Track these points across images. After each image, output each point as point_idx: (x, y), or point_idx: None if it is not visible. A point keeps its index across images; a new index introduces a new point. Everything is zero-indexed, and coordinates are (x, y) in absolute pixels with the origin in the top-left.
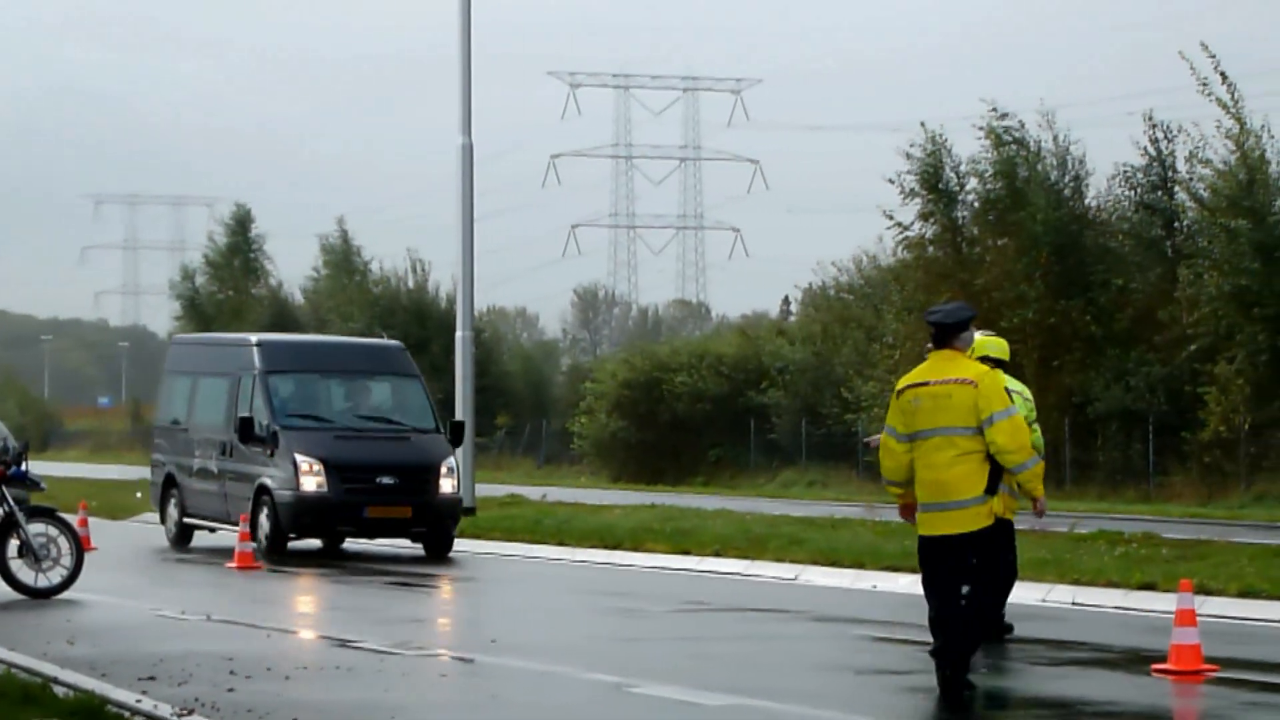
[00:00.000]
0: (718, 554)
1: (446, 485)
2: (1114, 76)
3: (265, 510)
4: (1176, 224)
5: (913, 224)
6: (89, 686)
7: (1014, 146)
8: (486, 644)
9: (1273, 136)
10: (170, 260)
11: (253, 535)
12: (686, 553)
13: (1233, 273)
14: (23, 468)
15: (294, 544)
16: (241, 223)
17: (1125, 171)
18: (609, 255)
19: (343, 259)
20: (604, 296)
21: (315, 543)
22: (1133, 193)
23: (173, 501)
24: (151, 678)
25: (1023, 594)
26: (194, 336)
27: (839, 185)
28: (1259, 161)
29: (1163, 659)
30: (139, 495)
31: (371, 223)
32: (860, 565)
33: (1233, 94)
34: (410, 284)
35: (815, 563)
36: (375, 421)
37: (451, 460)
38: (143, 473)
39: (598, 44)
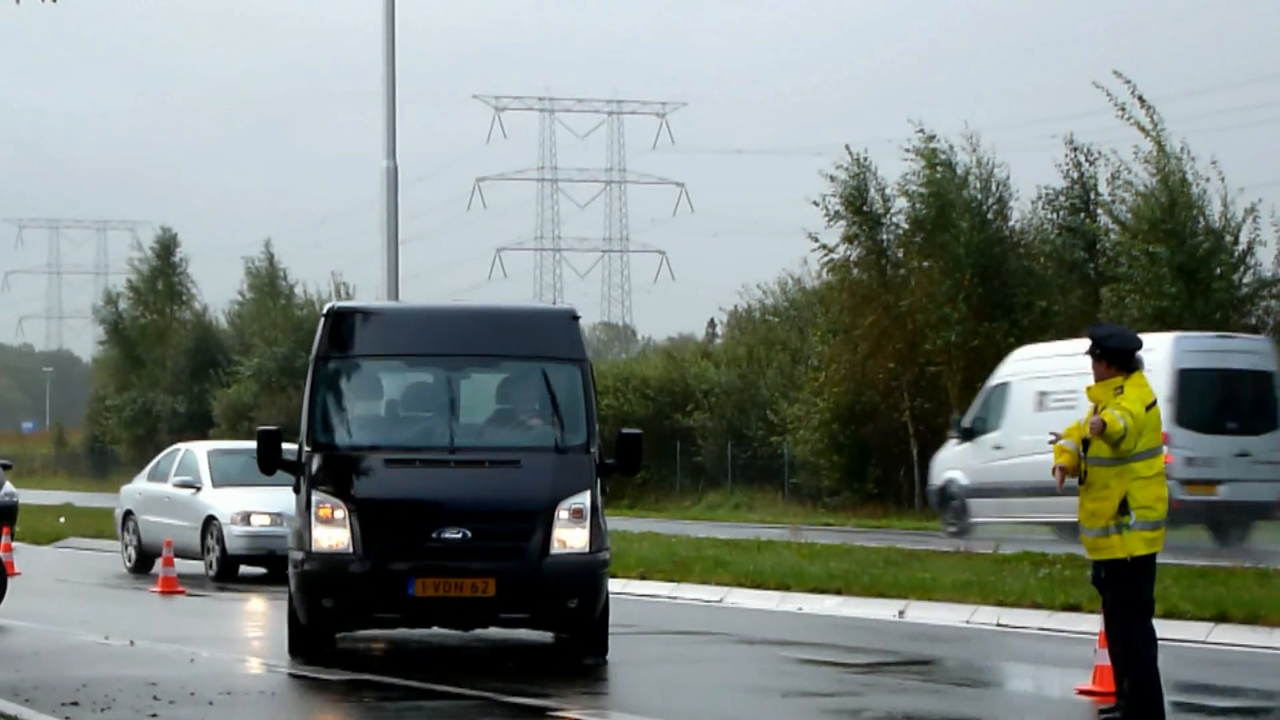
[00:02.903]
0: (643, 576)
1: (571, 539)
2: (1037, 99)
3: (289, 588)
4: (1099, 246)
5: (837, 246)
6: (11, 712)
7: (941, 169)
8: (420, 668)
9: (1193, 159)
10: (94, 285)
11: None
12: (612, 576)
13: (1154, 295)
14: None
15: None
16: (166, 246)
17: (1047, 194)
18: (534, 278)
19: (268, 282)
20: None
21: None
22: (1055, 215)
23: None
24: (74, 703)
25: (947, 615)
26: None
27: (764, 208)
28: (1179, 185)
29: (1086, 680)
30: (62, 520)
31: (297, 245)
32: (786, 587)
33: (1152, 117)
34: None
35: (741, 585)
36: (475, 434)
37: (581, 499)
38: (66, 497)
39: (522, 68)
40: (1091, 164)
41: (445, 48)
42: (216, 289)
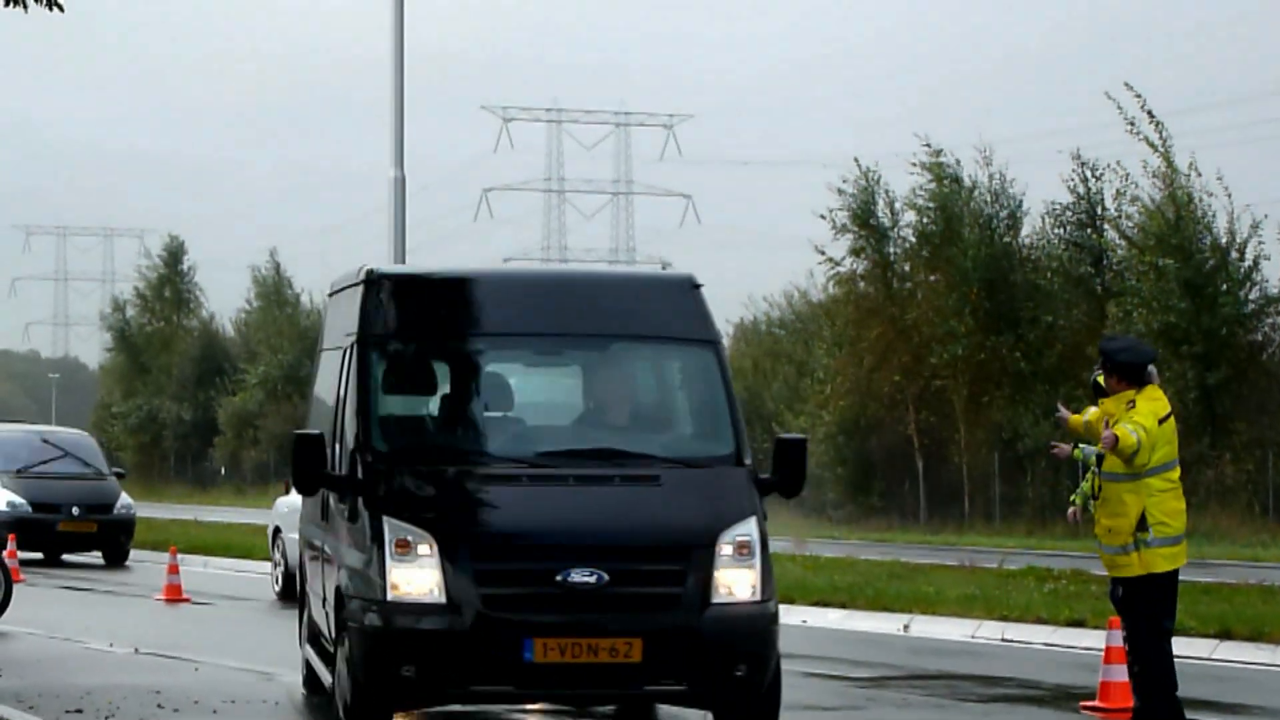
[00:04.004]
0: None
1: (737, 583)
2: (1045, 114)
3: (343, 649)
4: (1105, 261)
5: (844, 259)
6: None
7: (949, 182)
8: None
9: (1200, 174)
10: (101, 292)
11: (311, 687)
12: None
13: (1161, 310)
14: None
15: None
16: (173, 254)
17: (1054, 209)
18: None
19: (274, 290)
20: None
21: (253, 576)
22: (1061, 230)
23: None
24: (79, 710)
25: (952, 630)
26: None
27: (770, 220)
28: (1186, 200)
29: (1092, 696)
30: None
31: (304, 254)
32: (790, 600)
33: (1160, 133)
34: None
35: None
36: (592, 441)
37: (747, 530)
38: None
39: (530, 79)
40: (1098, 179)
41: (454, 58)
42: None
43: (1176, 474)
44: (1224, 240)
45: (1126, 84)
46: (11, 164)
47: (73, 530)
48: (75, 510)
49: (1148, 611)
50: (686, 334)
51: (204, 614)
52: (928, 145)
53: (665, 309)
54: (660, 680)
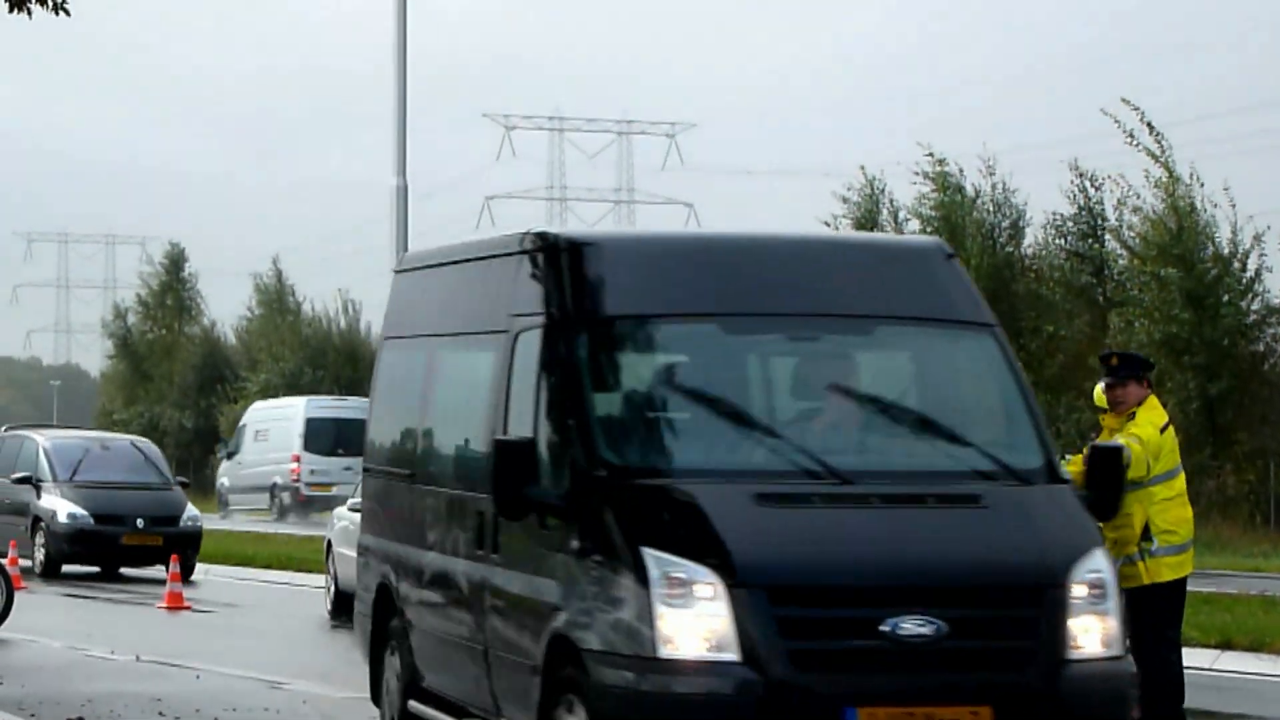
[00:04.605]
0: None
1: (1094, 633)
2: (1046, 124)
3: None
4: (1106, 271)
5: None
6: None
7: (952, 192)
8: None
9: (1201, 184)
10: (103, 299)
11: None
12: None
13: (1163, 320)
14: None
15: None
16: (175, 261)
17: (1055, 220)
18: None
19: (276, 298)
20: None
21: (244, 579)
22: (1063, 240)
23: (391, 658)
24: (79, 718)
25: None
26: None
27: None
28: (1188, 211)
29: None
30: None
31: (306, 261)
32: None
33: (1160, 143)
34: (342, 324)
35: None
36: (880, 451)
37: (1098, 564)
38: None
39: (532, 87)
40: (1098, 189)
41: (456, 66)
42: (225, 304)
43: (1181, 480)
44: (1226, 250)
45: (1124, 99)
46: (14, 171)
47: (138, 544)
48: (140, 522)
49: (1153, 621)
50: (959, 315)
51: (205, 621)
52: (931, 154)
53: (925, 283)
54: None
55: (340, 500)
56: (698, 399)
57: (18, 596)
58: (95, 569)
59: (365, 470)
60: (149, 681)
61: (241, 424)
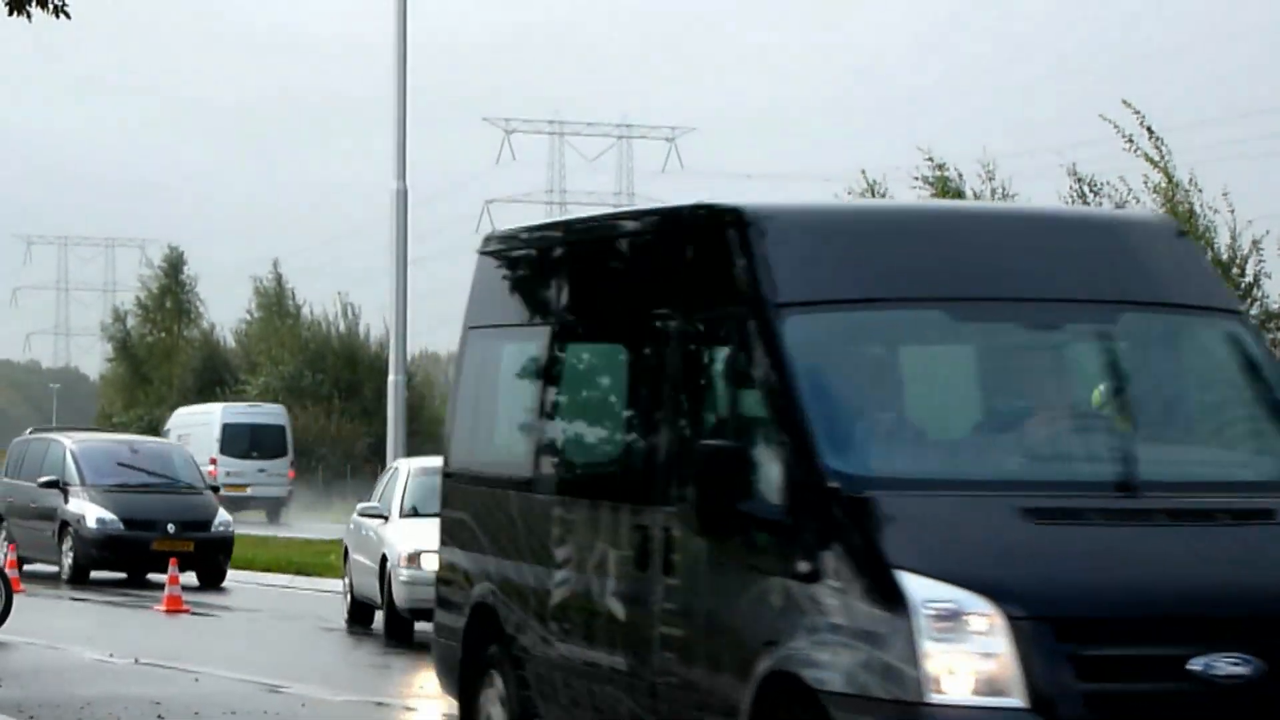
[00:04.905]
0: None
1: None
2: (1045, 128)
3: None
4: None
5: None
6: None
7: (952, 196)
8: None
9: (1200, 189)
10: (102, 302)
11: None
12: None
13: None
14: None
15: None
16: (174, 264)
17: None
18: None
19: (276, 301)
20: None
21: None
22: None
23: (490, 689)
24: None
25: None
26: (537, 227)
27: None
28: (1187, 216)
29: None
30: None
31: (306, 265)
32: None
33: (1159, 148)
34: (341, 328)
35: None
36: (1152, 459)
37: None
38: None
39: (532, 91)
40: (1097, 194)
41: (456, 70)
42: (224, 307)
43: None
44: (1225, 256)
45: (1125, 101)
46: (13, 174)
47: (168, 549)
48: (171, 528)
49: None
50: (1204, 300)
51: (204, 625)
52: (930, 159)
53: (1165, 263)
54: None
55: (260, 501)
56: (930, 397)
57: (16, 599)
58: (123, 575)
59: (448, 476)
60: (148, 684)
61: (166, 429)
